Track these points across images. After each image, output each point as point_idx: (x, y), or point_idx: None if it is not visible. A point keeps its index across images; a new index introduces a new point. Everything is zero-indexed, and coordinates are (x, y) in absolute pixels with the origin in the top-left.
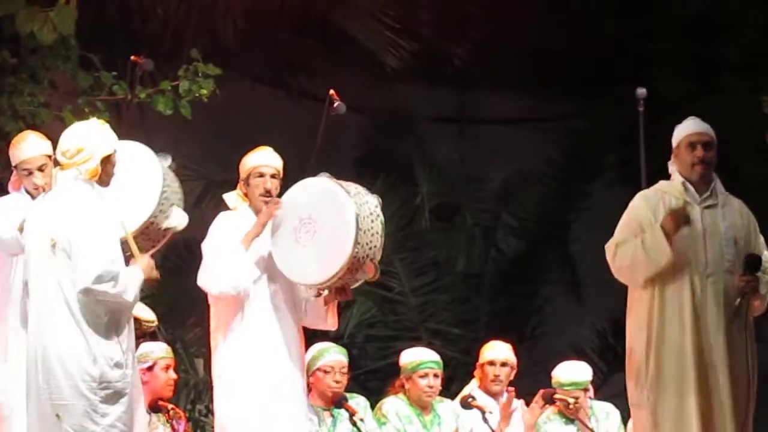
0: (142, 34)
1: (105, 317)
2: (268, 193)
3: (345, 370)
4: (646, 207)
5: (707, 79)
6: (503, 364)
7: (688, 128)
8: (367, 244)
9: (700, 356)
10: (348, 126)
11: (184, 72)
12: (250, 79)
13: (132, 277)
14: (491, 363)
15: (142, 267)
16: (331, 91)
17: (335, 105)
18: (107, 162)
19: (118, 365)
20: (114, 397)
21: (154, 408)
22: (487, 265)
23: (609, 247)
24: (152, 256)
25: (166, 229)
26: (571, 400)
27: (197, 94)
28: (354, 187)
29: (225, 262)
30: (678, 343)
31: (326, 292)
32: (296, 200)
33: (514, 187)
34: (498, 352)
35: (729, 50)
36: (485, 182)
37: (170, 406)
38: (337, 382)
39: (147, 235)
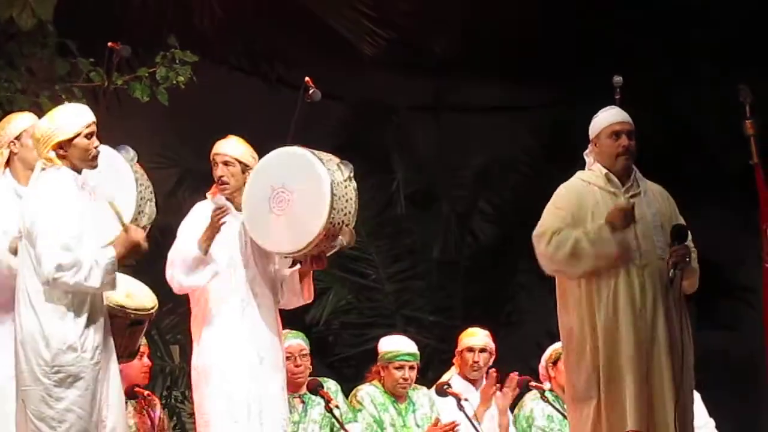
0: (119, 20)
1: (64, 300)
2: (219, 180)
3: (305, 353)
4: (573, 199)
5: (684, 68)
6: (482, 350)
7: (610, 117)
8: (342, 209)
9: (639, 348)
10: (325, 113)
11: (162, 59)
12: (227, 66)
13: (100, 260)
14: (470, 349)
15: (123, 242)
16: (307, 79)
17: (310, 92)
18: (70, 146)
19: (72, 348)
20: (67, 380)
21: (129, 395)
22: (462, 252)
23: (541, 234)
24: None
25: (144, 226)
26: (546, 387)
27: (174, 81)
28: (327, 155)
29: (180, 261)
30: (614, 336)
31: (298, 265)
32: (268, 169)
33: (490, 174)
34: (477, 338)
35: (706, 38)
36: (462, 169)
37: (146, 393)
38: (298, 365)
39: None
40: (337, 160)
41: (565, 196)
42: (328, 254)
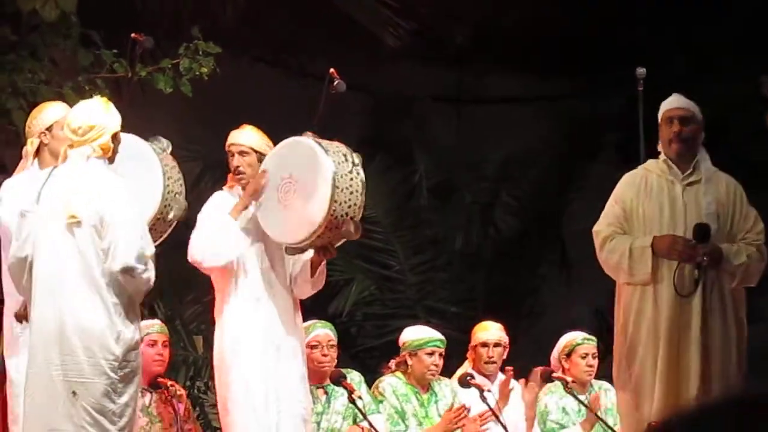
0: (142, 11)
1: (125, 297)
2: (236, 170)
3: (333, 343)
4: (629, 188)
5: (706, 60)
6: (496, 345)
7: (667, 104)
8: (345, 202)
9: (672, 338)
10: (347, 105)
11: (185, 50)
12: (250, 57)
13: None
14: (484, 344)
15: None
16: (331, 70)
17: (335, 83)
18: (114, 139)
19: (135, 345)
20: (130, 376)
21: (153, 385)
22: (484, 243)
23: (596, 234)
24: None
25: (170, 221)
26: (569, 380)
27: (197, 73)
28: (335, 146)
29: (211, 234)
30: (655, 323)
31: (311, 252)
32: (279, 158)
33: (512, 166)
34: (490, 333)
35: (728, 30)
36: (483, 161)
37: (170, 383)
38: (325, 355)
39: (155, 229)
40: (344, 150)
41: (622, 185)
42: (335, 245)
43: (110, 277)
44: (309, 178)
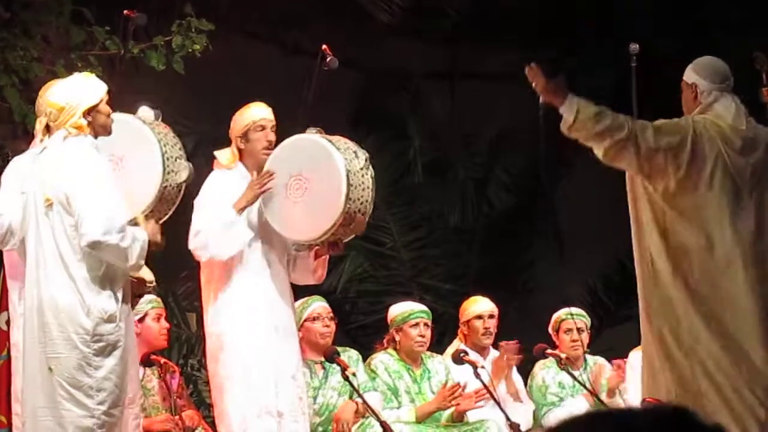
0: None
1: (100, 270)
2: (271, 144)
3: (331, 315)
4: None
5: (700, 35)
6: (491, 316)
7: None
8: (358, 199)
9: None
10: (341, 81)
11: (177, 27)
12: (243, 34)
13: (137, 238)
14: (479, 317)
15: (147, 231)
16: (324, 46)
17: (328, 60)
18: (95, 112)
19: (111, 318)
20: (107, 349)
21: (146, 362)
22: (478, 220)
23: None
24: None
25: (179, 185)
26: (563, 356)
27: (190, 50)
28: (344, 142)
29: (215, 228)
30: None
31: (317, 245)
32: (286, 156)
33: (506, 142)
34: (483, 305)
35: (722, 5)
36: (478, 137)
37: (162, 360)
38: (326, 326)
39: (165, 198)
40: (354, 146)
41: None
42: (344, 240)
43: (82, 251)
44: (322, 177)
